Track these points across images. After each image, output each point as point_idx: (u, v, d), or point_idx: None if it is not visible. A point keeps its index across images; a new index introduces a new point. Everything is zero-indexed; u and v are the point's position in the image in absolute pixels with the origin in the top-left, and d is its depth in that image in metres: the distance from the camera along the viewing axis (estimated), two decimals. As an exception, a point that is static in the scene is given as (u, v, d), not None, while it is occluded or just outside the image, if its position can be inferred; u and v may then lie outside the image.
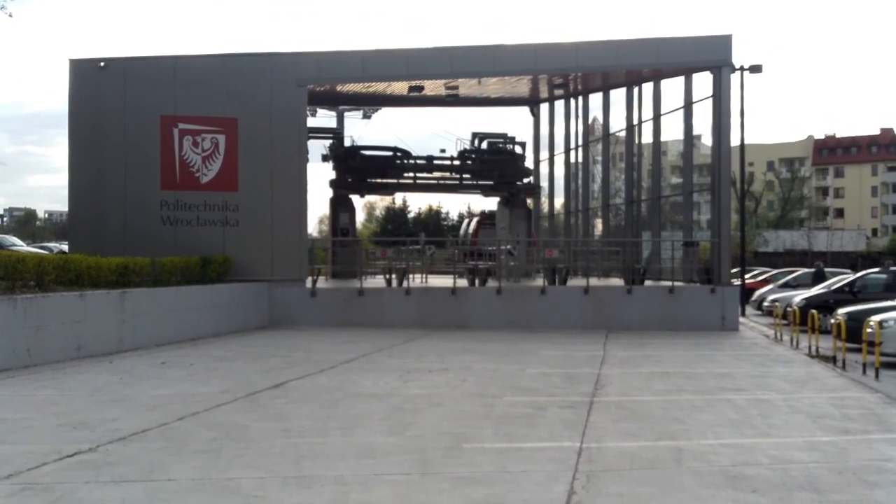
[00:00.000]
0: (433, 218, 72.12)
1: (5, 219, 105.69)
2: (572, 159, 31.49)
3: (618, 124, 28.67)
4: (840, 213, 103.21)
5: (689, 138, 25.32)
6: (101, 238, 20.11)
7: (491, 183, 30.29)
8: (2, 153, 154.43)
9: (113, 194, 21.04)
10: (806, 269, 31.13)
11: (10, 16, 18.10)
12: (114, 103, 21.22)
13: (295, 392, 11.03)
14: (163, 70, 21.51)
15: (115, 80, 21.24)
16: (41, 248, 32.28)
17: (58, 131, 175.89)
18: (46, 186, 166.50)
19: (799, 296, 22.70)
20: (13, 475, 6.75)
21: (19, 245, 31.09)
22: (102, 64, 21.31)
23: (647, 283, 23.60)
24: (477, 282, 23.35)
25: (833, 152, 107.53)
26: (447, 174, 30.67)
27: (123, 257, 17.01)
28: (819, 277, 26.25)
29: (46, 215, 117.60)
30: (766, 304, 27.68)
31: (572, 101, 30.74)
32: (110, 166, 21.15)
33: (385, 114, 35.03)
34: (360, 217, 61.72)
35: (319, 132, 29.77)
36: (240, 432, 8.48)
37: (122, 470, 6.97)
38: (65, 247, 26.48)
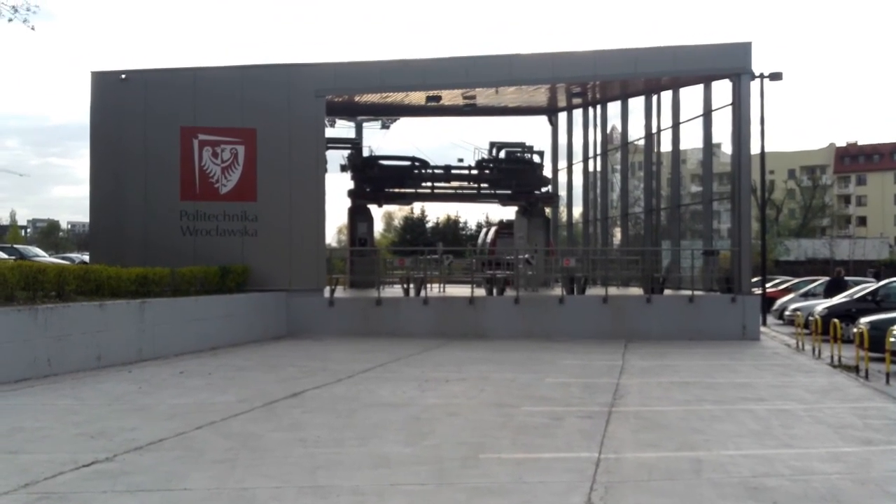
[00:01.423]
0: (451, 227, 72.09)
1: (29, 230, 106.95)
2: (591, 168, 31.37)
3: (636, 133, 28.60)
4: (862, 221, 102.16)
5: (709, 146, 25.14)
6: (122, 248, 20.26)
7: (509, 192, 30.23)
8: (26, 165, 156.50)
9: (133, 205, 21.22)
10: (828, 278, 30.69)
11: (33, 29, 18.34)
12: (135, 115, 21.42)
13: (312, 402, 11.03)
14: (183, 82, 21.71)
15: (136, 92, 21.45)
16: (63, 258, 32.63)
17: (81, 143, 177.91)
18: (69, 198, 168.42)
19: (821, 305, 22.43)
20: (30, 484, 6.78)
21: (42, 256, 31.42)
22: (124, 76, 21.53)
23: (667, 292, 23.44)
24: (495, 291, 23.28)
25: (855, 160, 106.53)
26: (465, 183, 30.64)
27: (143, 267, 17.13)
28: (834, 287, 25.50)
29: (69, 226, 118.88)
30: (787, 313, 27.36)
31: (590, 110, 30.64)
32: (131, 177, 21.34)
33: (403, 124, 35.14)
34: (378, 226, 61.95)
35: (338, 142, 29.89)
36: (256, 442, 8.49)
37: (139, 479, 6.99)
38: (86, 257, 26.74)
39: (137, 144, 21.33)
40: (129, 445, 8.18)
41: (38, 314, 12.91)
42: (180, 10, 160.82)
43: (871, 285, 23.17)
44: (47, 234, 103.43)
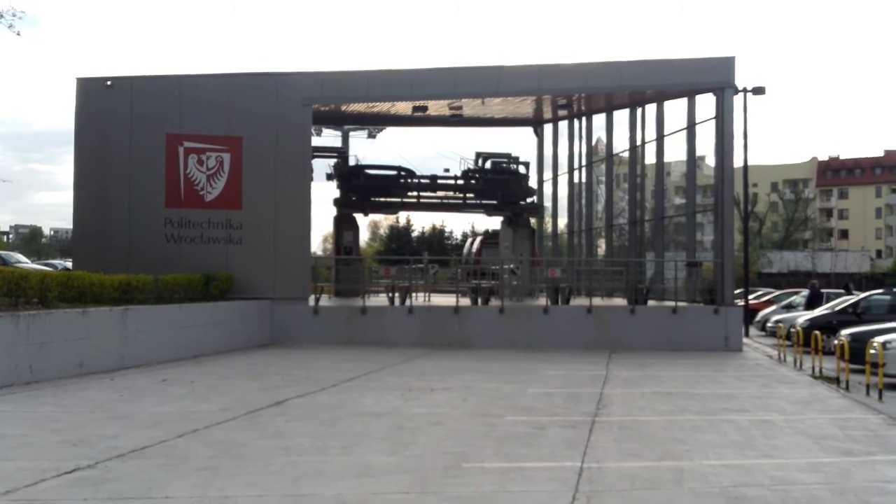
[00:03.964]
0: (437, 237, 72.16)
1: (11, 236, 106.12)
2: (576, 179, 31.56)
3: (621, 145, 28.79)
4: (844, 234, 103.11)
5: (693, 159, 25.35)
6: (105, 255, 20.15)
7: (494, 202, 30.33)
8: (8, 171, 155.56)
9: (118, 212, 21.12)
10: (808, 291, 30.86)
11: (18, 34, 18.26)
12: (120, 122, 21.37)
13: (295, 410, 11.01)
14: (169, 89, 21.67)
15: (122, 99, 21.39)
16: (46, 265, 32.34)
17: (64, 149, 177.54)
18: (52, 204, 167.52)
19: (803, 316, 22.61)
20: (10, 491, 6.74)
21: (24, 262, 31.13)
22: (109, 83, 21.47)
23: (651, 303, 23.56)
24: (480, 301, 23.32)
25: (837, 174, 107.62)
26: (451, 193, 30.70)
27: (126, 274, 17.05)
28: (815, 299, 25.67)
29: (52, 232, 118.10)
30: (769, 324, 27.55)
31: (576, 122, 30.85)
32: (116, 184, 21.25)
33: (390, 133, 35.21)
34: (364, 236, 61.86)
35: (324, 151, 29.89)
36: (239, 450, 8.46)
37: (120, 487, 6.96)
38: (69, 264, 26.55)
39: (122, 151, 21.25)
40: (110, 453, 8.13)
41: (19, 321, 12.82)
42: (167, 17, 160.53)
43: (853, 297, 23.39)
44: (30, 240, 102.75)
